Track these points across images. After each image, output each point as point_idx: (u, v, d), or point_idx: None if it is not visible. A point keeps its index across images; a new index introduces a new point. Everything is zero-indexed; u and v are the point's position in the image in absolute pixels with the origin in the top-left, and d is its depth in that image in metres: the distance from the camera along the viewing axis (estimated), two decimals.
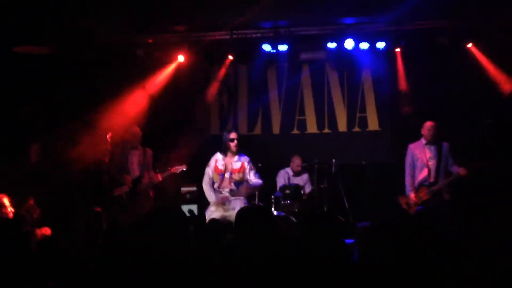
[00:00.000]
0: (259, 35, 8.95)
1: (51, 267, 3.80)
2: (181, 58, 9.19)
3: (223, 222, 5.39)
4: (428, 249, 3.29)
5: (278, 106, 9.87)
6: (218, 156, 6.71)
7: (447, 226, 3.91)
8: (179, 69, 9.35)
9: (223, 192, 6.69)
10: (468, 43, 8.69)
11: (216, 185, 6.67)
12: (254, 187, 6.61)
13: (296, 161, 8.85)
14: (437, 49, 8.67)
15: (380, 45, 8.83)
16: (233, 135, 6.65)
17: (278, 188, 8.61)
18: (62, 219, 6.31)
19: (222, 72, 9.64)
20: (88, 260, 4.75)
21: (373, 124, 9.59)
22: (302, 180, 8.86)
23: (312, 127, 9.76)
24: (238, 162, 6.62)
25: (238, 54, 9.33)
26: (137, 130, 7.97)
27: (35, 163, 8.20)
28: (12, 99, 8.21)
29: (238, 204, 6.53)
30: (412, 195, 7.47)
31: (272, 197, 8.25)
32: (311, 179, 8.81)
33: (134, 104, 8.97)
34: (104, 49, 8.76)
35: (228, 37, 8.87)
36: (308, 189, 8.77)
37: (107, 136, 7.47)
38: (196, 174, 7.77)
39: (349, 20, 8.65)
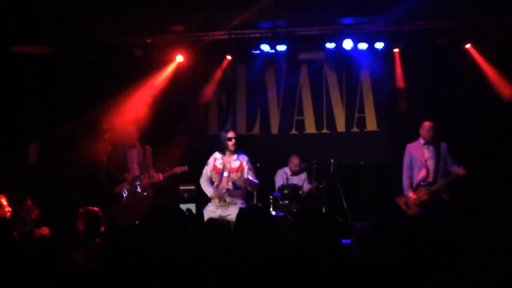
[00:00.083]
0: (257, 35, 8.96)
1: (50, 267, 3.79)
2: (180, 58, 9.19)
3: (222, 222, 5.39)
4: (427, 249, 3.29)
5: (277, 106, 9.88)
6: (217, 155, 6.71)
7: (446, 226, 3.92)
8: (178, 69, 9.36)
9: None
10: (467, 43, 8.71)
11: (215, 185, 6.67)
12: (251, 183, 6.59)
13: (294, 161, 8.86)
14: (436, 49, 8.68)
15: (379, 45, 8.84)
16: (230, 134, 6.65)
17: (276, 188, 8.62)
18: (61, 219, 6.30)
19: (221, 72, 9.64)
20: (88, 260, 4.76)
21: (371, 124, 9.60)
22: (300, 179, 8.87)
23: (310, 127, 9.77)
24: (236, 161, 6.62)
25: (236, 54, 9.33)
26: (132, 129, 7.96)
27: (33, 163, 8.19)
28: (11, 99, 8.20)
29: (236, 205, 6.52)
30: (410, 194, 7.47)
31: (271, 197, 8.25)
32: (309, 178, 8.82)
33: (134, 104, 8.96)
34: (103, 49, 8.76)
35: (226, 37, 8.87)
36: (306, 188, 8.77)
37: (106, 135, 7.47)
38: (194, 173, 7.78)
39: (347, 21, 8.66)
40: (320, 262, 3.14)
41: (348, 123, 9.65)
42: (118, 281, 3.05)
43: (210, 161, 6.74)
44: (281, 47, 8.93)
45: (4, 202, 6.29)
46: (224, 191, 6.55)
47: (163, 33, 8.95)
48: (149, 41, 9.07)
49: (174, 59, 9.21)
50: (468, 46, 8.73)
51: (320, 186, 8.58)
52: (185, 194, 9.10)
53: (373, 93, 9.58)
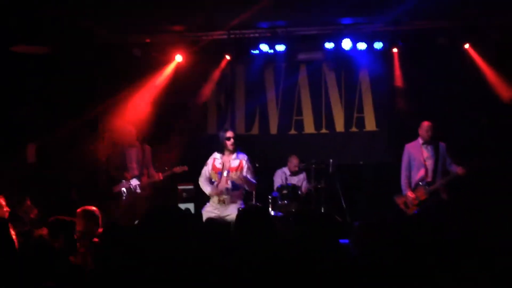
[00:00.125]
0: (256, 35, 8.96)
1: (48, 268, 3.78)
2: (179, 58, 9.19)
3: (221, 222, 5.39)
4: (425, 249, 3.30)
5: (276, 106, 9.88)
6: (216, 155, 6.71)
7: (445, 226, 3.92)
8: (177, 69, 9.36)
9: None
10: (466, 43, 8.71)
11: (215, 184, 6.67)
12: (248, 181, 6.59)
13: (293, 161, 8.86)
14: (435, 49, 8.69)
15: (378, 45, 8.84)
16: (229, 134, 6.66)
17: (275, 188, 8.62)
18: (60, 219, 6.28)
19: (220, 72, 9.64)
20: (86, 260, 4.76)
21: (370, 124, 9.60)
22: (299, 179, 8.87)
23: (309, 127, 9.78)
24: (236, 160, 6.62)
25: (235, 54, 9.33)
26: (130, 128, 7.97)
27: (32, 163, 8.19)
28: (11, 99, 8.19)
29: (235, 205, 6.53)
30: (409, 194, 7.47)
31: (269, 197, 8.26)
32: (308, 179, 8.82)
33: (133, 104, 8.97)
34: (103, 49, 8.76)
35: (225, 37, 8.88)
36: (304, 188, 8.78)
37: (105, 135, 7.47)
38: (193, 173, 7.78)
39: (346, 21, 8.66)
40: (319, 262, 3.14)
41: (347, 123, 9.66)
42: (117, 281, 3.05)
43: (209, 161, 6.75)
44: (280, 47, 8.92)
45: (3, 202, 6.28)
46: (223, 188, 6.55)
47: (162, 33, 8.95)
48: (148, 40, 9.07)
49: (173, 59, 9.21)
50: (467, 46, 8.74)
51: (319, 186, 8.59)
52: (184, 194, 9.09)
53: (372, 93, 9.58)
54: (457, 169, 7.31)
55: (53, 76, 8.43)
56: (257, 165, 7.58)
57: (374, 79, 9.54)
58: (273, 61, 9.67)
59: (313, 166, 8.65)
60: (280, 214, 7.87)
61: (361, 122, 9.62)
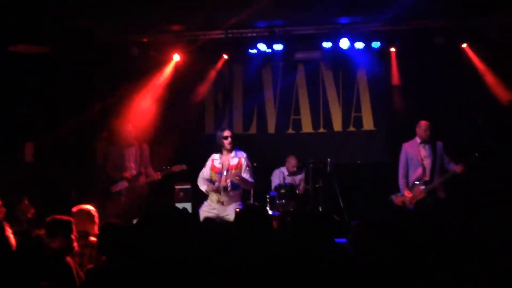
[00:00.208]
0: (254, 34, 8.95)
1: (45, 267, 3.78)
2: (176, 58, 9.17)
3: (219, 221, 5.38)
4: (422, 248, 3.30)
5: (273, 106, 9.87)
6: (215, 156, 6.72)
7: (442, 225, 3.92)
8: (175, 68, 9.34)
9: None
10: (463, 42, 8.72)
11: (215, 184, 6.66)
12: (244, 180, 6.58)
13: (292, 161, 8.86)
14: (433, 48, 8.69)
15: (375, 44, 8.84)
16: (226, 133, 6.67)
17: (273, 187, 8.61)
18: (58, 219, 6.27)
19: (217, 71, 9.63)
20: (83, 259, 4.75)
21: (368, 123, 9.60)
22: (297, 179, 8.87)
23: (307, 127, 9.77)
24: (235, 158, 6.63)
25: (233, 53, 9.32)
26: (130, 127, 7.96)
27: (29, 162, 8.18)
28: (10, 99, 8.18)
29: (233, 205, 6.53)
30: (406, 193, 7.48)
31: (267, 196, 8.25)
32: (306, 178, 8.82)
33: (133, 104, 8.96)
34: (103, 49, 8.75)
35: (223, 36, 8.87)
36: (302, 188, 8.78)
37: (103, 134, 7.47)
38: (190, 172, 7.78)
39: (344, 20, 8.65)
40: (317, 261, 3.14)
41: (345, 122, 9.65)
42: (115, 280, 3.04)
43: (208, 162, 6.76)
44: (278, 47, 8.91)
45: None
46: (220, 185, 6.54)
47: (160, 32, 8.94)
48: (145, 40, 9.05)
49: (171, 59, 9.19)
50: (464, 45, 8.75)
51: (317, 186, 8.59)
52: (181, 194, 9.07)
53: (369, 93, 9.58)
54: (456, 167, 7.31)
55: (53, 76, 8.42)
56: (255, 164, 7.56)
57: (371, 79, 9.54)
58: (271, 61, 9.65)
59: (311, 165, 8.65)
60: (278, 213, 7.88)
61: (358, 122, 9.62)
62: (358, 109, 9.62)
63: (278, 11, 8.08)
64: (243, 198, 6.98)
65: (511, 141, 8.26)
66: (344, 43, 8.76)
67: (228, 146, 6.62)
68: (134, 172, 7.77)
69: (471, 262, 3.03)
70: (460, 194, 7.63)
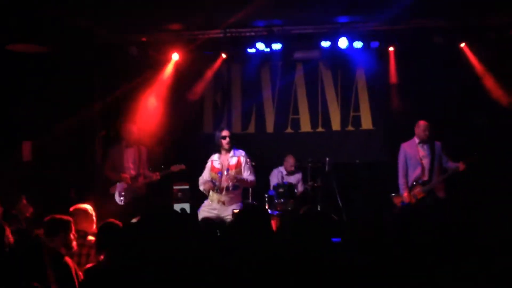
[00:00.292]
0: (253, 33, 8.94)
1: (41, 267, 3.77)
2: (175, 57, 9.16)
3: (219, 221, 5.39)
4: (421, 247, 3.30)
5: (272, 105, 9.87)
6: (214, 157, 6.74)
7: (442, 224, 3.92)
8: (173, 67, 9.34)
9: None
10: (462, 42, 8.72)
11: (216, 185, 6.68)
12: (242, 180, 6.58)
13: (290, 161, 8.87)
14: (431, 48, 8.69)
15: (374, 44, 8.84)
16: (225, 133, 6.68)
17: (271, 186, 8.62)
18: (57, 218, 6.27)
19: (216, 70, 9.62)
20: (80, 259, 4.75)
21: (366, 123, 9.61)
22: (296, 179, 8.88)
23: (305, 126, 9.77)
24: (234, 158, 6.64)
25: (231, 52, 9.31)
26: (132, 128, 7.97)
27: (28, 161, 8.17)
28: (10, 98, 8.17)
29: (234, 206, 6.53)
30: (405, 194, 7.49)
31: (266, 195, 8.25)
32: (304, 178, 8.82)
33: (133, 103, 8.95)
34: (103, 49, 8.74)
35: (222, 35, 8.86)
36: (300, 188, 8.78)
37: (102, 134, 7.47)
38: (188, 172, 7.77)
39: (343, 19, 8.65)
40: (316, 261, 3.14)
41: (343, 121, 9.66)
42: (114, 280, 3.04)
43: (208, 164, 6.78)
44: (276, 46, 8.91)
45: None
46: (222, 185, 6.55)
47: (159, 31, 8.93)
48: (144, 39, 9.04)
49: (170, 58, 9.18)
50: (463, 45, 8.75)
51: (315, 185, 8.59)
52: (179, 194, 9.06)
53: (368, 92, 9.58)
54: (458, 165, 7.31)
55: (53, 76, 8.41)
56: (253, 163, 7.57)
57: (370, 78, 9.54)
58: (270, 60, 9.65)
59: (310, 164, 8.66)
60: (277, 212, 7.88)
61: (357, 121, 9.62)
62: (357, 109, 9.62)
63: (276, 11, 8.08)
64: (243, 197, 6.99)
65: (509, 141, 8.27)
66: (343, 43, 8.75)
67: (226, 146, 6.64)
68: (133, 172, 7.77)
69: (471, 262, 3.03)
70: (459, 194, 7.64)
